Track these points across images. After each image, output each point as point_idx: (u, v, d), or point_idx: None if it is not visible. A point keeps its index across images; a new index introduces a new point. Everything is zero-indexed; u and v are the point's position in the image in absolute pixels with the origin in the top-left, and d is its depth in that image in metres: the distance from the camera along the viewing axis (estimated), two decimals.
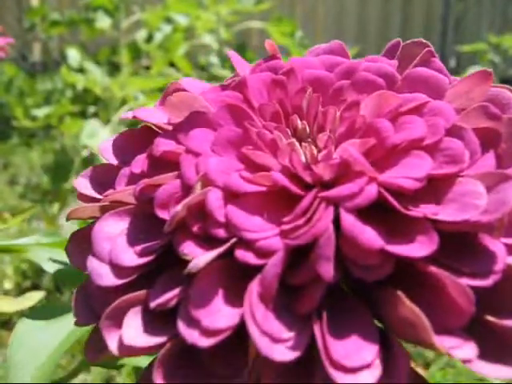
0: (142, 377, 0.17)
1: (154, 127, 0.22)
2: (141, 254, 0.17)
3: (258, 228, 0.16)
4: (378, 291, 0.16)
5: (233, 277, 0.16)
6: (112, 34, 1.62)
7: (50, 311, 0.39)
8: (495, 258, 0.15)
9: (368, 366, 0.14)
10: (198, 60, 1.78)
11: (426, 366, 0.80)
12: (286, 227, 0.16)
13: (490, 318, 0.15)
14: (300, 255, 0.16)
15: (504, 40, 2.26)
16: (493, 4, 3.19)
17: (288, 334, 0.15)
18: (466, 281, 0.15)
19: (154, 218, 0.18)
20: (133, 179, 0.20)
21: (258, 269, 0.15)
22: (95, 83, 1.43)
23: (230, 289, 0.16)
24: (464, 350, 0.15)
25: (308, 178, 0.17)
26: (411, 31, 3.16)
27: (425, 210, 0.16)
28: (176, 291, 0.16)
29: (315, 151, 0.19)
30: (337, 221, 0.16)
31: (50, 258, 0.43)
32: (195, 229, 0.17)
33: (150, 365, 0.16)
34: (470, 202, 0.16)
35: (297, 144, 0.19)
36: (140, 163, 0.20)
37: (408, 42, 0.23)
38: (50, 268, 0.42)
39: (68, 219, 0.20)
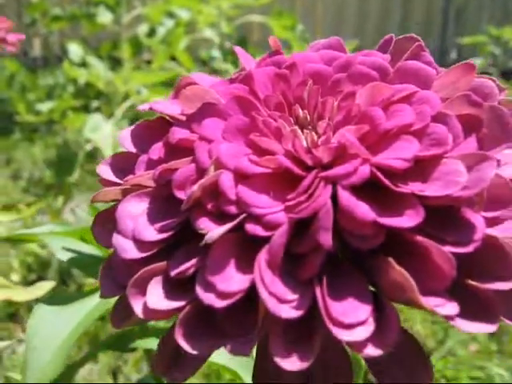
0: (164, 338, 0.19)
1: (168, 118, 0.24)
2: (160, 231, 0.20)
3: (266, 204, 0.18)
4: (371, 259, 0.18)
5: (243, 248, 0.18)
6: (113, 28, 1.63)
7: (62, 299, 0.41)
8: (475, 228, 0.17)
9: (363, 322, 0.16)
10: (200, 54, 1.79)
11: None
12: (289, 203, 0.18)
13: (470, 281, 0.17)
14: (302, 228, 0.18)
15: (504, 32, 2.26)
16: None
17: (292, 296, 0.17)
18: (449, 248, 0.17)
19: (171, 198, 0.20)
20: (151, 165, 0.22)
21: (265, 240, 0.17)
22: (98, 77, 1.45)
23: (241, 258, 0.18)
24: (446, 308, 0.17)
25: (309, 161, 0.19)
26: (412, 23, 3.17)
27: (412, 187, 0.18)
28: (193, 261, 0.18)
29: (315, 137, 0.21)
30: (335, 198, 0.18)
31: (63, 247, 0.45)
32: (209, 206, 0.19)
33: (172, 327, 0.19)
34: (452, 180, 0.18)
35: (299, 131, 0.21)
36: (157, 150, 0.22)
37: (400, 37, 0.25)
38: (64, 256, 0.44)
39: (92, 202, 0.22)
